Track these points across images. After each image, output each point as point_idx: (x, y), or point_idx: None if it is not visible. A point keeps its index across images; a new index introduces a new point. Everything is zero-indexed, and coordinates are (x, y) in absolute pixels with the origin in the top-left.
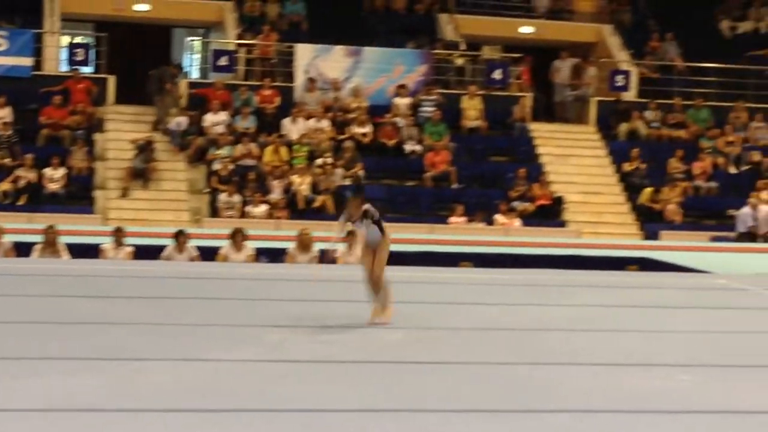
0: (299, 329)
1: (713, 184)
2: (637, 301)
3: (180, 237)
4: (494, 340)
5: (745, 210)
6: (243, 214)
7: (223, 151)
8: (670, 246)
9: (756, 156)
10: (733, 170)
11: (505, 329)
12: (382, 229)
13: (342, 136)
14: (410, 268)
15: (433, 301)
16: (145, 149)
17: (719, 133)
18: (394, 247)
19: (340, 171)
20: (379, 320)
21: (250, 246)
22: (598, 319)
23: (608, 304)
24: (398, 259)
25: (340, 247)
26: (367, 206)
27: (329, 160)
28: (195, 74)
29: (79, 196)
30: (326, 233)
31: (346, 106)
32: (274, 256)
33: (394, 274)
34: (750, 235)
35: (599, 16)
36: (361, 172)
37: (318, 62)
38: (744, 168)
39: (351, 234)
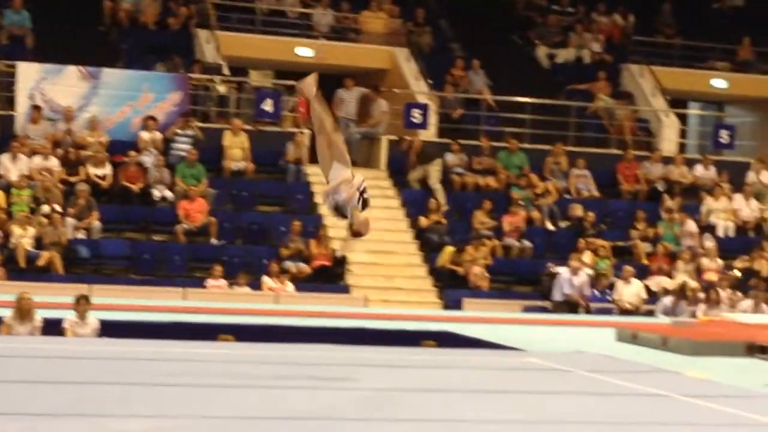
0: None
1: (527, 244)
2: (433, 384)
3: None
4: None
5: (564, 274)
6: None
7: None
8: (475, 317)
9: (577, 209)
10: (550, 226)
11: (274, 418)
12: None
13: (74, 178)
14: (157, 342)
15: (181, 383)
16: None
17: (534, 181)
18: (136, 316)
19: (71, 221)
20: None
21: None
22: (386, 406)
23: (399, 388)
24: (143, 330)
25: (70, 317)
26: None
27: (58, 208)
28: None
29: None
30: (52, 299)
31: (80, 141)
32: None
33: (133, 350)
34: (569, 305)
35: (392, 37)
36: (97, 223)
37: (45, 86)
38: (563, 224)
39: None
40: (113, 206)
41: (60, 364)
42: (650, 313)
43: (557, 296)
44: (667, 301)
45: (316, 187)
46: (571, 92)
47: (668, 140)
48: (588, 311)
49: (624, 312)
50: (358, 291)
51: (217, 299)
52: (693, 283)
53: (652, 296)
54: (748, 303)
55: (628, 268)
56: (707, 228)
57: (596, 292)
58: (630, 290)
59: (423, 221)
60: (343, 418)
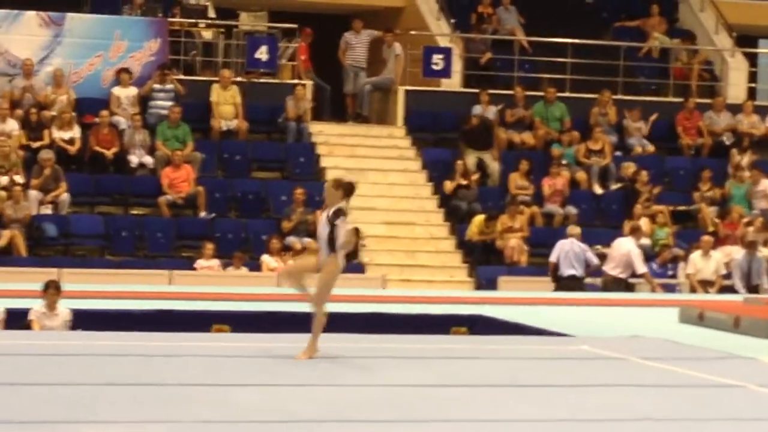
0: None
1: (571, 210)
2: (466, 379)
3: None
4: None
5: (626, 246)
6: None
7: None
8: (512, 298)
9: (630, 169)
10: (598, 189)
11: (278, 421)
12: (332, 244)
13: (37, 144)
14: (141, 334)
15: (174, 382)
16: None
17: (579, 136)
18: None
19: (35, 194)
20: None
21: None
22: (410, 405)
23: (427, 383)
24: (124, 320)
25: (37, 306)
26: (342, 204)
27: (18, 179)
28: None
29: None
30: (15, 285)
31: (42, 100)
32: None
33: (110, 344)
34: (622, 282)
35: None
36: (65, 196)
37: (0, 35)
38: (614, 186)
39: None
40: (83, 176)
41: (25, 362)
42: (728, 290)
43: (611, 271)
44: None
45: (320, 149)
46: (619, 30)
47: (735, 85)
48: (653, 289)
49: (696, 291)
50: (374, 270)
51: (209, 283)
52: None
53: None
54: None
55: (707, 238)
56: None
57: (655, 267)
58: (708, 265)
59: (448, 186)
60: (360, 419)
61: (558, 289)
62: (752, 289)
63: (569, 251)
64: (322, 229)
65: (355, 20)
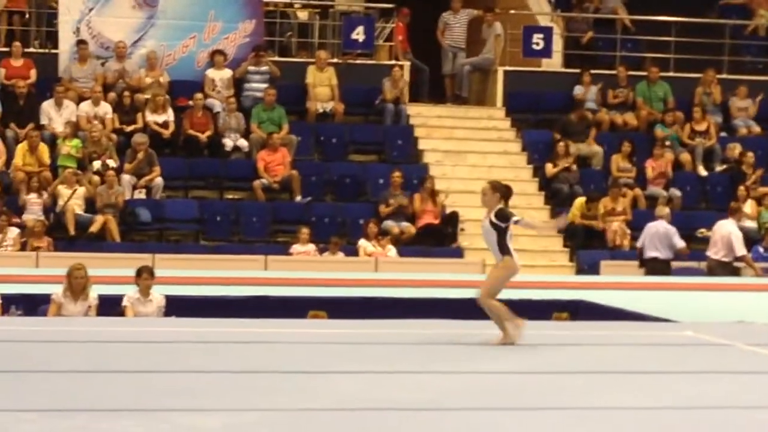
0: None
1: (675, 193)
2: (570, 366)
3: None
4: (363, 426)
5: (726, 228)
6: None
7: None
8: (615, 283)
9: (735, 150)
10: (703, 171)
11: (380, 409)
12: (503, 247)
13: (130, 128)
14: (236, 320)
15: (271, 369)
16: None
17: (682, 117)
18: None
19: (128, 178)
20: (504, 341)
21: None
22: (513, 393)
23: (527, 370)
24: (219, 306)
25: (131, 293)
26: (501, 205)
27: (112, 163)
28: None
29: None
30: (108, 271)
31: (135, 83)
32: (33, 305)
33: (205, 330)
34: (728, 266)
35: None
36: (159, 180)
37: (93, 18)
38: (719, 168)
39: None
40: (177, 159)
41: (120, 349)
42: None
43: (715, 255)
44: None
45: (418, 131)
46: (724, 8)
47: None
48: (756, 273)
49: None
50: (473, 254)
51: (305, 268)
52: None
53: None
54: None
55: None
56: None
57: (761, 250)
58: None
59: (549, 168)
60: (463, 407)
61: (645, 272)
62: None
63: (655, 233)
64: (488, 236)
65: (454, 0)
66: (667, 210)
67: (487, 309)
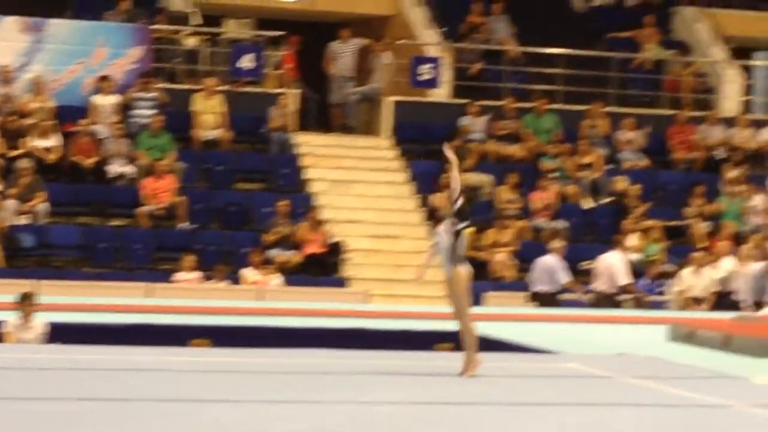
0: None
1: (561, 225)
2: (453, 397)
3: None
4: None
5: (610, 259)
6: None
7: None
8: (499, 314)
9: (621, 183)
10: (589, 204)
11: None
12: (454, 255)
13: (15, 152)
14: (119, 348)
15: (152, 397)
16: None
17: (569, 149)
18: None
19: (12, 204)
20: (466, 373)
21: None
22: (393, 424)
23: (407, 401)
24: (102, 333)
25: (12, 319)
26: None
27: None
28: None
29: None
30: None
31: (20, 108)
32: None
33: (87, 358)
34: (611, 298)
35: None
36: (43, 205)
37: None
38: (605, 201)
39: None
40: (62, 185)
41: (1, 375)
42: (721, 306)
43: (599, 286)
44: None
45: (305, 160)
46: (612, 41)
47: (730, 98)
48: (640, 305)
49: (686, 308)
50: (357, 284)
51: (189, 296)
52: None
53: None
54: None
55: (698, 254)
56: None
57: (646, 282)
58: (699, 281)
59: (435, 199)
60: None
61: (535, 305)
62: (756, 305)
63: (543, 267)
64: (442, 242)
65: (343, 29)
66: (559, 244)
67: (462, 330)
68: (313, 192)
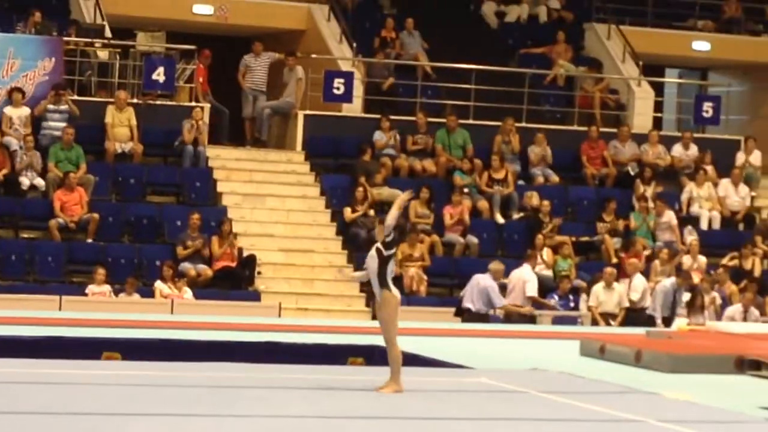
0: None
1: (472, 240)
2: (365, 411)
3: None
4: None
5: (520, 274)
6: None
7: None
8: (411, 329)
9: (533, 198)
10: (500, 219)
11: None
12: (383, 279)
13: None
14: (30, 361)
15: (63, 411)
16: None
17: (481, 165)
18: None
19: None
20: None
21: None
22: None
23: (317, 415)
24: (12, 346)
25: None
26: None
27: None
28: None
29: None
30: None
31: None
32: None
33: None
34: (524, 314)
35: None
36: None
37: None
38: (516, 216)
39: None
40: None
41: None
42: (633, 321)
43: (511, 302)
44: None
45: (217, 173)
46: (524, 57)
47: (641, 115)
48: (552, 320)
49: (597, 323)
50: (270, 298)
51: (100, 309)
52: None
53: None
54: (736, 309)
55: (610, 270)
56: (688, 219)
57: (556, 298)
58: (610, 297)
59: (347, 213)
60: None
61: (463, 322)
62: (666, 320)
63: (475, 286)
64: (371, 264)
65: (256, 43)
66: (498, 266)
67: (389, 352)
68: (225, 205)
